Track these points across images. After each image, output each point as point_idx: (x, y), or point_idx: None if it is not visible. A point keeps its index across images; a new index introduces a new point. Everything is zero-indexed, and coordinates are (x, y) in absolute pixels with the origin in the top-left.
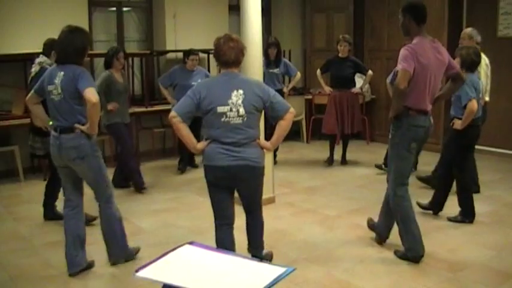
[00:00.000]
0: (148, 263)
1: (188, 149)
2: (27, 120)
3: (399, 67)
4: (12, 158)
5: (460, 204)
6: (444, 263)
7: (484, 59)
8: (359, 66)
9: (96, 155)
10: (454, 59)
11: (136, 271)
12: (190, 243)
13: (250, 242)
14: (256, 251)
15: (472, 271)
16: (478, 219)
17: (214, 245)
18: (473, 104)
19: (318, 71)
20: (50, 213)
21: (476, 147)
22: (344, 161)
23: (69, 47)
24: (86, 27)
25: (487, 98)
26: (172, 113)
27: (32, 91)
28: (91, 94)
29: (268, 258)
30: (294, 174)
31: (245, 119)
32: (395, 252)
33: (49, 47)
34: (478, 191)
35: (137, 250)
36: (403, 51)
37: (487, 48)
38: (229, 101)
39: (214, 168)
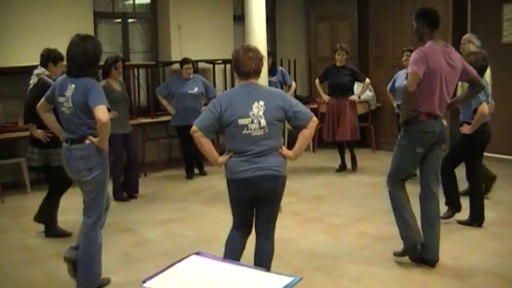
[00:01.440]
0: (155, 274)
1: (195, 156)
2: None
3: (409, 70)
4: (18, 170)
5: (471, 207)
6: (450, 270)
7: None
8: (356, 74)
9: (104, 170)
10: None
11: (144, 282)
12: (197, 253)
13: (258, 265)
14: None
15: (478, 278)
16: (483, 226)
17: (221, 255)
18: (484, 107)
19: (317, 81)
20: (53, 232)
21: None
22: (354, 168)
23: (81, 58)
24: None
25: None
26: (194, 128)
27: (43, 99)
28: (101, 113)
29: None
30: (299, 183)
31: (267, 130)
32: (395, 254)
33: (46, 57)
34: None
35: (108, 281)
36: (414, 55)
37: (491, 54)
38: (251, 113)
39: (236, 181)
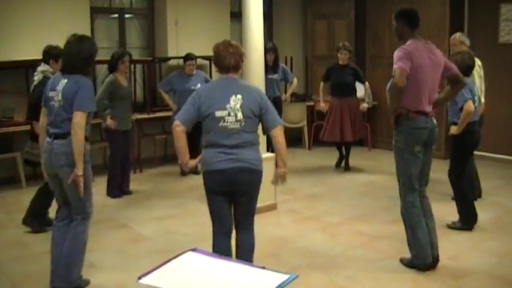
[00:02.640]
0: (151, 270)
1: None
2: (30, 127)
3: (395, 67)
4: (14, 165)
5: (459, 212)
6: (447, 270)
7: (476, 61)
8: (358, 76)
9: (86, 167)
10: None
11: (139, 278)
12: (193, 250)
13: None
14: None
15: (475, 278)
16: (480, 226)
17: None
18: (470, 105)
19: (322, 84)
20: (44, 221)
21: (478, 153)
22: (348, 168)
23: (76, 57)
24: (88, 34)
25: (482, 99)
26: (176, 122)
27: (42, 108)
28: (77, 119)
29: None
30: (295, 181)
31: (243, 123)
32: (402, 260)
33: (47, 54)
34: (479, 196)
35: (87, 283)
36: (397, 53)
37: (488, 54)
38: (228, 106)
39: (212, 173)
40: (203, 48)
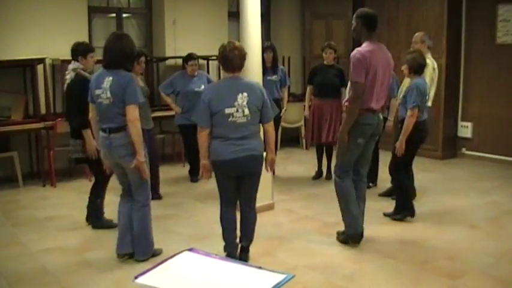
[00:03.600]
0: (147, 270)
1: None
2: (27, 126)
3: (353, 79)
4: (11, 164)
5: (396, 202)
6: (443, 270)
7: (433, 63)
8: (342, 77)
9: (145, 153)
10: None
11: (136, 277)
12: (190, 249)
13: (243, 234)
14: (247, 242)
15: (472, 278)
16: (477, 226)
17: (214, 251)
18: (415, 113)
19: (308, 88)
20: (99, 222)
21: (477, 153)
22: (329, 176)
23: (119, 53)
24: (86, 33)
25: (429, 103)
26: (200, 129)
27: (90, 104)
28: (131, 113)
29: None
30: (293, 181)
31: (249, 118)
32: (338, 236)
33: (75, 51)
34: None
35: (160, 251)
36: (353, 59)
37: (485, 55)
38: (235, 103)
39: (222, 162)
40: (201, 47)
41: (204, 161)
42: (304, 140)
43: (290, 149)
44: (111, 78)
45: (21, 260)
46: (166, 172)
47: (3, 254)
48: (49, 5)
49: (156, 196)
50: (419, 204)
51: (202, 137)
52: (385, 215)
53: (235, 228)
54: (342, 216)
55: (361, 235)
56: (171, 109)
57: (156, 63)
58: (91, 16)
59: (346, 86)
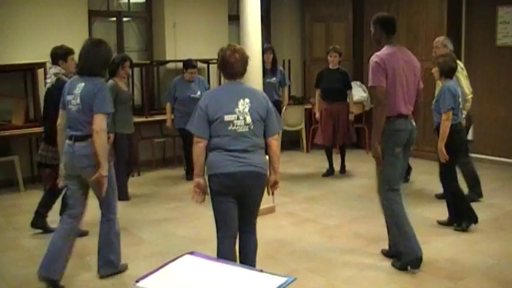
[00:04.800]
0: (148, 273)
1: None
2: (28, 130)
3: (371, 83)
4: (12, 168)
5: (450, 211)
6: (444, 271)
7: (459, 64)
8: (346, 81)
9: (109, 165)
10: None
11: (137, 281)
12: (191, 253)
13: (244, 260)
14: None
15: (472, 280)
16: (478, 227)
17: (215, 255)
18: (449, 115)
19: (317, 92)
20: (40, 223)
21: (477, 155)
22: (343, 171)
23: (94, 60)
24: (86, 37)
25: (470, 97)
26: (196, 139)
27: (60, 110)
28: (98, 122)
29: None
30: (294, 184)
31: (251, 127)
32: (393, 264)
33: (54, 56)
34: (478, 199)
35: (126, 267)
36: (372, 63)
37: (485, 57)
38: (236, 110)
39: (221, 175)
40: (201, 51)
41: (197, 179)
42: (304, 143)
43: (291, 152)
44: (83, 84)
45: (22, 264)
46: (166, 176)
47: (4, 258)
48: (49, 9)
49: (123, 197)
50: (420, 206)
51: (198, 149)
52: (440, 223)
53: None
54: (399, 241)
55: (421, 259)
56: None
57: (157, 67)
58: (91, 20)
59: (351, 89)
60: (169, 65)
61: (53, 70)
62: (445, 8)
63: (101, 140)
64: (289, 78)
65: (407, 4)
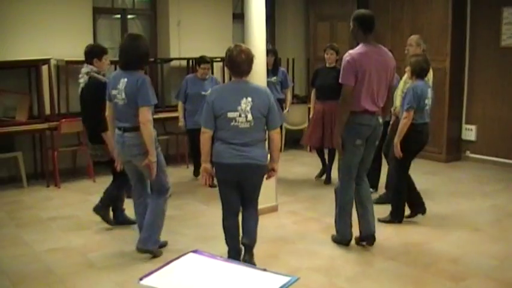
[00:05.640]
0: (152, 271)
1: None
2: (32, 127)
3: (340, 81)
4: (15, 164)
5: (392, 205)
6: (447, 272)
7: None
8: None
9: (157, 152)
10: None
11: (141, 279)
12: (195, 251)
13: (245, 233)
14: (248, 241)
15: (475, 281)
16: (480, 229)
17: (218, 252)
18: (410, 115)
19: (312, 91)
20: (120, 217)
21: (480, 156)
22: (328, 181)
23: (134, 54)
24: (91, 34)
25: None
26: (203, 129)
27: (107, 102)
28: (143, 114)
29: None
30: (296, 183)
31: (252, 124)
32: (332, 236)
33: (89, 54)
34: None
35: (165, 243)
36: (344, 61)
37: (490, 57)
38: (239, 108)
39: (222, 165)
40: (206, 49)
41: (205, 164)
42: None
43: (294, 151)
44: (125, 79)
45: (25, 260)
46: (169, 173)
47: (7, 254)
48: (54, 6)
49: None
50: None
51: (205, 139)
52: (380, 220)
53: (238, 235)
54: (335, 220)
55: (350, 241)
56: (175, 111)
57: (161, 65)
58: (96, 17)
59: None
60: (174, 63)
61: (84, 69)
62: (449, 8)
63: (148, 131)
64: (293, 77)
65: (412, 4)
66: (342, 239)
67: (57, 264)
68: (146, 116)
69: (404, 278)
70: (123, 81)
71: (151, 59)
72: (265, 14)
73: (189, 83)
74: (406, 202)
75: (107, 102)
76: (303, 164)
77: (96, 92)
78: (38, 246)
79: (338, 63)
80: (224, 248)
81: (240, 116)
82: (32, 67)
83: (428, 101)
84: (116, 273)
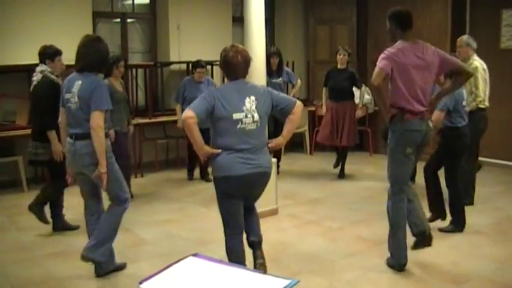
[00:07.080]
0: (152, 275)
1: (200, 161)
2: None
3: (377, 66)
4: (15, 168)
5: (451, 213)
6: (447, 275)
7: (482, 64)
8: (354, 80)
9: (110, 161)
10: None
11: (140, 283)
12: (194, 255)
13: (251, 231)
14: (256, 237)
15: (475, 284)
16: (481, 231)
17: (218, 256)
18: (439, 115)
19: (324, 89)
20: (59, 224)
21: (481, 159)
22: (342, 175)
23: (93, 57)
24: None
25: (487, 103)
26: (190, 113)
27: (60, 108)
28: (94, 119)
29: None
30: (297, 186)
31: (259, 124)
32: (386, 260)
33: (42, 55)
34: (471, 203)
35: (123, 266)
36: (380, 56)
37: (489, 60)
38: (244, 108)
39: (231, 178)
40: (205, 52)
41: (202, 151)
42: (308, 145)
43: (294, 154)
44: (80, 82)
45: (25, 264)
46: (169, 178)
47: (7, 258)
48: (54, 10)
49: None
50: (425, 207)
51: (189, 124)
52: (441, 230)
53: (244, 256)
54: (388, 241)
55: (404, 265)
56: (175, 114)
57: (161, 68)
58: (95, 21)
59: (361, 87)
60: (173, 67)
61: (39, 68)
62: (449, 10)
63: (98, 137)
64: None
65: (411, 7)
66: (395, 263)
67: (58, 268)
68: (97, 121)
69: (404, 281)
70: (78, 84)
71: (151, 63)
72: (264, 17)
73: (186, 85)
74: (428, 205)
75: (60, 108)
76: (303, 167)
77: (47, 90)
78: (38, 251)
79: (349, 65)
80: (224, 252)
81: (246, 116)
82: (32, 71)
83: (465, 103)
84: (116, 277)
